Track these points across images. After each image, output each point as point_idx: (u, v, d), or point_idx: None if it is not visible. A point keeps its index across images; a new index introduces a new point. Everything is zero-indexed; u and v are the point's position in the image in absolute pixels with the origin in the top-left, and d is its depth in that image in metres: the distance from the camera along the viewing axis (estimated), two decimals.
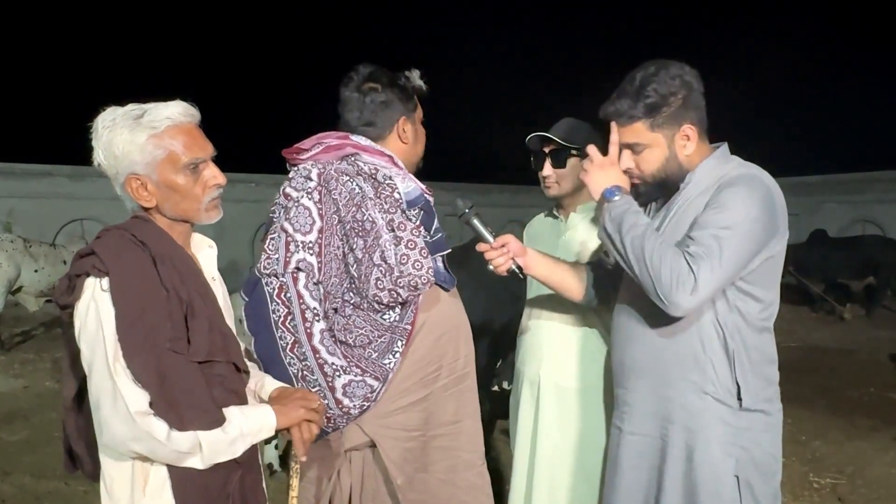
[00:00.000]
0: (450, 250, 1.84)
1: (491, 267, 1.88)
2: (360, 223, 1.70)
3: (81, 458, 1.50)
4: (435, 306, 1.81)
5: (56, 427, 4.34)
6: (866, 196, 12.25)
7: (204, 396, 1.35)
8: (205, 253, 1.57)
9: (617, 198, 1.69)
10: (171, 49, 19.72)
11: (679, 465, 1.71)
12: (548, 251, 2.06)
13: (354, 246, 1.71)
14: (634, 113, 1.70)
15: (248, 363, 1.62)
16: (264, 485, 1.59)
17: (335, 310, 1.74)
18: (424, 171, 1.95)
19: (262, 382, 1.62)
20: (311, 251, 1.71)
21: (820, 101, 18.81)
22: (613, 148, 1.74)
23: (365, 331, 1.72)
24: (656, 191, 1.81)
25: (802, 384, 5.74)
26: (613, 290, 1.92)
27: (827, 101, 18.92)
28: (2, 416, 4.91)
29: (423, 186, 1.82)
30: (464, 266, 2.53)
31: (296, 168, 1.81)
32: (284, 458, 3.76)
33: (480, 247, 1.89)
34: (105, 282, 1.32)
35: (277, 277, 1.71)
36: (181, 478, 1.36)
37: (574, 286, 2.00)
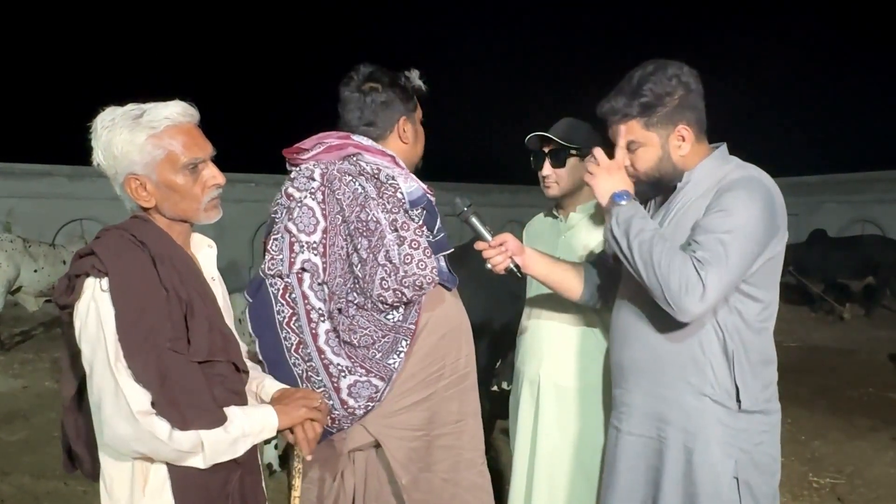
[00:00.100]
0: (452, 250, 1.84)
1: (489, 265, 1.88)
2: (364, 223, 1.70)
3: (81, 457, 1.50)
4: (438, 306, 1.81)
5: (55, 427, 4.33)
6: (866, 196, 12.23)
7: (205, 396, 1.36)
8: (204, 253, 1.57)
9: (625, 202, 1.68)
10: (171, 49, 19.70)
11: (678, 467, 1.70)
12: (547, 251, 2.06)
13: (359, 246, 1.70)
14: (629, 111, 1.70)
15: (248, 364, 1.62)
16: (264, 485, 1.59)
17: (339, 310, 1.73)
18: (424, 171, 1.95)
19: (262, 384, 1.62)
20: (315, 252, 1.70)
21: (820, 100, 18.80)
22: (620, 152, 1.74)
23: (369, 331, 1.72)
24: (651, 189, 1.81)
25: (802, 384, 5.74)
26: (613, 289, 1.92)
27: (827, 100, 18.91)
28: (1, 416, 4.90)
29: (426, 186, 1.82)
30: (463, 265, 2.53)
31: (297, 168, 1.80)
32: (284, 459, 3.75)
33: (478, 245, 1.89)
34: (105, 282, 1.32)
35: (282, 278, 1.70)
36: (181, 478, 1.36)
37: (573, 286, 2.00)
